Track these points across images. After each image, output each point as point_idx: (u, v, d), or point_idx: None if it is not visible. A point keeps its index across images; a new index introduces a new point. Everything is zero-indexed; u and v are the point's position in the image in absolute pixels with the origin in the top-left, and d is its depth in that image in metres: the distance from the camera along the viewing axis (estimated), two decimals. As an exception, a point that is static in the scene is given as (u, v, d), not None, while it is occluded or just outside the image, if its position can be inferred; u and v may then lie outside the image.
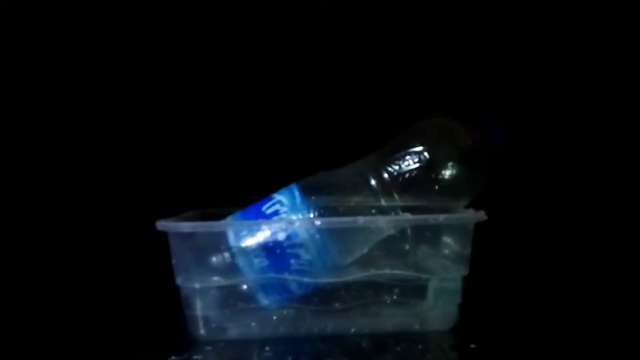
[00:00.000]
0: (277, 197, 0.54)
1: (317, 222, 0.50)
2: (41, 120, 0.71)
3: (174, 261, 0.52)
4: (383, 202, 0.53)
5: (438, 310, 0.53)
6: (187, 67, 0.73)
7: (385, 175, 0.53)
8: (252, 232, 0.51)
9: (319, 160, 0.57)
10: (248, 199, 0.55)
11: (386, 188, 0.53)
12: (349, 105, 0.74)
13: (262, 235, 0.51)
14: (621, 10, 0.71)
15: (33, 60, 0.71)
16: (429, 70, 0.74)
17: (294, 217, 0.52)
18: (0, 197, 0.70)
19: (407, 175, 0.53)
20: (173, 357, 0.49)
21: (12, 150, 0.71)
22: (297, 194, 0.53)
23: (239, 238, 0.51)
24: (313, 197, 0.53)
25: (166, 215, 0.53)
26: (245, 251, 0.51)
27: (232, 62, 0.73)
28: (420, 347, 0.50)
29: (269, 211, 0.53)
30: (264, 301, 0.52)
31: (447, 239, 0.52)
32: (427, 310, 0.53)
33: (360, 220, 0.51)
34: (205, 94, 0.73)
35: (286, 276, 0.51)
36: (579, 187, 0.73)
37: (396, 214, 0.53)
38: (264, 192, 0.55)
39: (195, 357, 0.49)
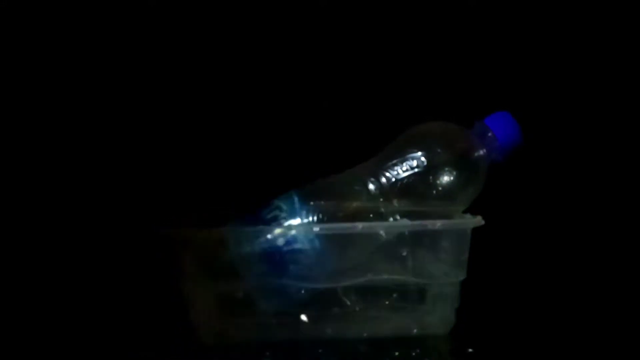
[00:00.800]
0: (277, 202, 0.54)
1: (316, 228, 0.51)
2: (40, 121, 0.72)
3: (175, 266, 0.52)
4: (381, 207, 0.54)
5: (436, 314, 0.54)
6: (187, 69, 0.73)
7: (384, 181, 0.54)
8: (251, 237, 0.52)
9: (317, 164, 0.58)
10: (248, 203, 0.56)
11: (384, 193, 0.54)
12: (349, 109, 0.74)
13: (261, 240, 0.52)
14: (619, 13, 0.71)
15: (33, 60, 0.71)
16: (428, 72, 0.74)
17: (293, 223, 0.52)
18: (0, 200, 0.71)
19: (405, 180, 0.53)
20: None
21: (11, 151, 0.71)
22: (296, 199, 0.54)
23: (238, 243, 0.52)
24: (312, 203, 0.53)
25: (168, 217, 0.54)
26: (245, 257, 0.52)
27: (232, 65, 0.73)
28: (418, 351, 0.51)
29: (268, 217, 0.53)
30: (264, 306, 0.53)
31: (444, 244, 0.53)
32: (425, 314, 0.54)
33: (359, 226, 0.51)
34: (204, 96, 0.73)
35: (285, 281, 0.51)
36: (576, 191, 0.73)
37: (395, 219, 0.53)
38: (263, 197, 0.55)
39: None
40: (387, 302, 0.53)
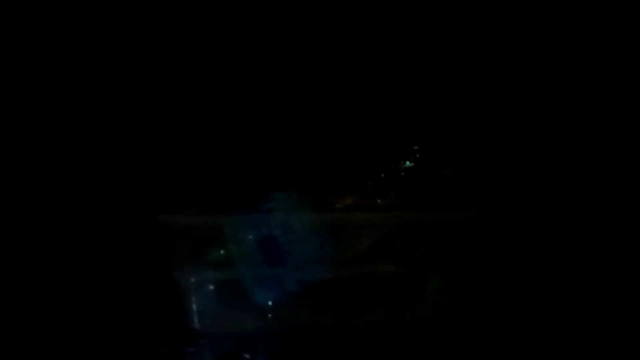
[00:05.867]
0: (275, 194, 0.55)
1: (312, 217, 0.51)
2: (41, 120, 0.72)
3: (171, 254, 0.53)
4: (379, 201, 0.54)
5: (433, 308, 0.53)
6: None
7: (382, 174, 0.54)
8: (248, 226, 0.52)
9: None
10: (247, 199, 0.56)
11: (382, 186, 0.54)
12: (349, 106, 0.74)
13: (258, 230, 0.52)
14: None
15: (33, 60, 0.72)
16: (425, 71, 0.74)
17: (290, 214, 0.52)
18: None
19: (402, 173, 0.54)
20: (165, 349, 0.49)
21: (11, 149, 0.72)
22: (293, 191, 0.54)
23: (235, 232, 0.52)
24: (310, 195, 0.54)
25: (166, 208, 0.54)
26: (242, 245, 0.52)
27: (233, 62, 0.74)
28: (414, 344, 0.50)
29: (265, 207, 0.54)
30: (259, 296, 0.53)
31: (442, 237, 0.53)
32: (422, 308, 0.53)
33: (355, 216, 0.51)
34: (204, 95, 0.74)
35: (281, 271, 0.52)
36: (576, 186, 0.73)
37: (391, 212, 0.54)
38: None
39: (188, 349, 0.50)
40: (384, 295, 0.53)
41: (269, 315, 0.53)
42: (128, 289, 0.63)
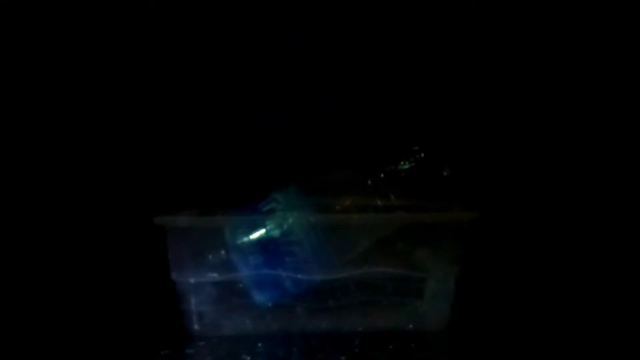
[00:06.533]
0: (274, 195, 0.54)
1: (312, 219, 0.51)
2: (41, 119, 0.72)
3: (170, 256, 0.52)
4: (379, 202, 0.54)
5: (432, 309, 0.53)
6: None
7: (382, 175, 0.54)
8: (247, 228, 0.52)
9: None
10: (247, 199, 0.56)
11: (382, 188, 0.54)
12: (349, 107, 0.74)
13: (257, 231, 0.52)
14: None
15: (33, 60, 0.72)
16: (425, 71, 0.74)
17: (289, 215, 0.52)
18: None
19: (402, 174, 0.53)
20: (165, 351, 0.49)
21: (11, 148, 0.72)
22: (293, 192, 0.54)
23: (234, 234, 0.52)
24: (309, 196, 0.53)
25: (164, 209, 0.54)
26: (241, 247, 0.52)
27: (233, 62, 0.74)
28: (412, 345, 0.50)
29: (265, 208, 0.53)
30: (258, 298, 0.52)
31: (441, 238, 0.52)
32: (421, 309, 0.53)
33: (354, 217, 0.51)
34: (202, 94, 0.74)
35: (280, 273, 0.51)
36: (577, 188, 0.72)
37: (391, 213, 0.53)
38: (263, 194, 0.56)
39: (187, 351, 0.50)
40: (383, 297, 0.53)
41: (269, 317, 0.53)
42: (127, 290, 0.63)
